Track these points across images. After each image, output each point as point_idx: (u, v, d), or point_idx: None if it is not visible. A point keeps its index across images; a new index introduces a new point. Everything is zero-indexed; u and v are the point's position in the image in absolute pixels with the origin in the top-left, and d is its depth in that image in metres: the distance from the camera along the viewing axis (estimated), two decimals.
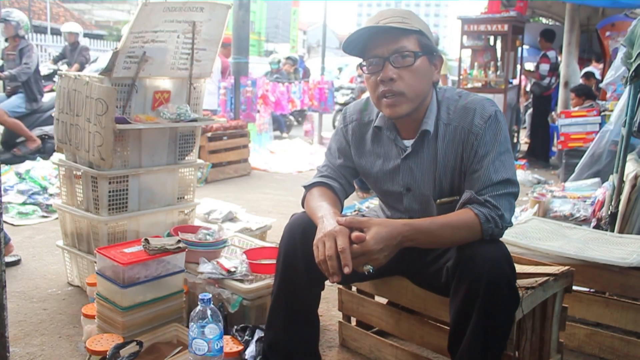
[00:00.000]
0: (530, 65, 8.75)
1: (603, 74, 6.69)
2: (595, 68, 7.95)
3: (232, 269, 2.09)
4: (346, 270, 1.35)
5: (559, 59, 7.30)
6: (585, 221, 3.26)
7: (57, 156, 2.56)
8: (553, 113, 7.31)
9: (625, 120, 2.78)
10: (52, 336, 2.09)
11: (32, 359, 1.92)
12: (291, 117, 9.17)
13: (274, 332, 1.62)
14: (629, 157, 2.89)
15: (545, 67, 7.09)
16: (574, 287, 1.82)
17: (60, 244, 2.58)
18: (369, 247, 1.37)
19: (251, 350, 1.83)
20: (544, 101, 7.39)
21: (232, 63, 6.26)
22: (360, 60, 1.58)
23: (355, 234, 1.39)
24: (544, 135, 7.30)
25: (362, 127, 1.71)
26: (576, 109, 5.89)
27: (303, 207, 1.69)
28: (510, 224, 1.48)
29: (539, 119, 7.39)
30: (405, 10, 1.55)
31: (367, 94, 1.67)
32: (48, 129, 5.43)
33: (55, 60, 7.03)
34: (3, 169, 4.34)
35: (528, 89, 8.48)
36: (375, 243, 1.38)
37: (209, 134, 5.28)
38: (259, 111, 7.01)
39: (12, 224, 3.49)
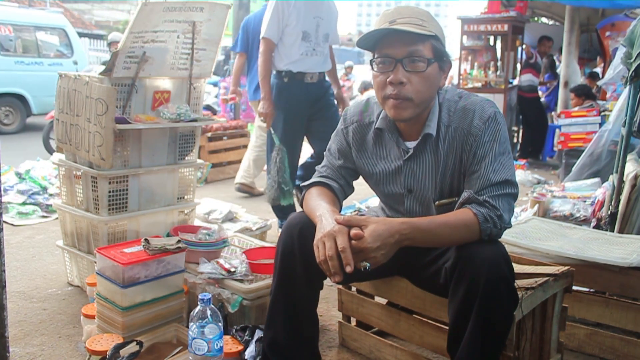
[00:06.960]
0: None
1: (603, 74, 6.69)
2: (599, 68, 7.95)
3: (232, 269, 2.09)
4: (348, 269, 1.35)
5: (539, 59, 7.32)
6: (585, 221, 3.26)
7: (57, 156, 2.56)
8: (553, 113, 7.31)
9: (625, 120, 2.78)
10: (52, 336, 2.09)
11: (32, 359, 1.92)
12: None
13: (273, 332, 1.62)
14: (629, 157, 2.89)
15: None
16: (574, 287, 1.82)
17: (60, 244, 2.58)
18: (367, 245, 1.37)
19: (251, 350, 1.83)
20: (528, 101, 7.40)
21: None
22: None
23: (353, 231, 1.39)
24: (529, 132, 7.32)
25: (362, 129, 1.70)
26: (576, 109, 5.89)
27: (302, 207, 1.69)
28: (510, 225, 1.48)
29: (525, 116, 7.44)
30: (423, 11, 1.51)
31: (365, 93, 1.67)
32: None
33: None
34: (3, 169, 4.34)
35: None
36: (373, 240, 1.37)
37: (209, 134, 5.27)
38: None
39: (12, 224, 3.49)
